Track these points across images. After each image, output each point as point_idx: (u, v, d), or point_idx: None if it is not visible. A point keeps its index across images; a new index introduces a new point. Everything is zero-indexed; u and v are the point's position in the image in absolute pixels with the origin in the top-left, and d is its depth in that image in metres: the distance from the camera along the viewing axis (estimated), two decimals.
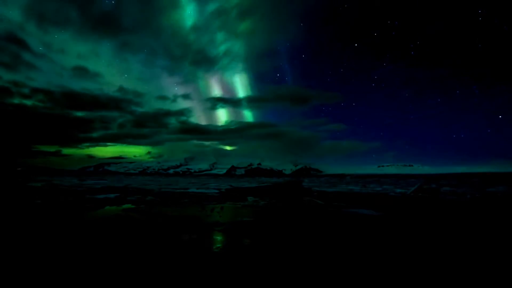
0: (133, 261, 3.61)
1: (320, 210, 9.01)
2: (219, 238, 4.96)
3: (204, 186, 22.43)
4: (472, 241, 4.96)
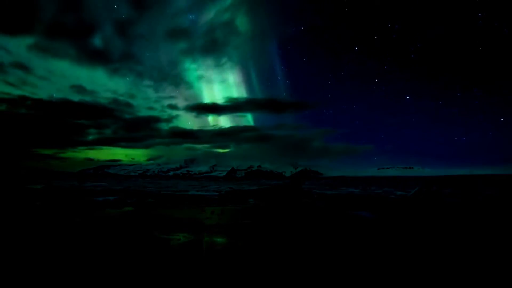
0: (131, 264, 3.59)
1: (320, 212, 8.98)
2: (219, 240, 4.93)
3: (204, 189, 22.39)
4: (473, 244, 4.94)
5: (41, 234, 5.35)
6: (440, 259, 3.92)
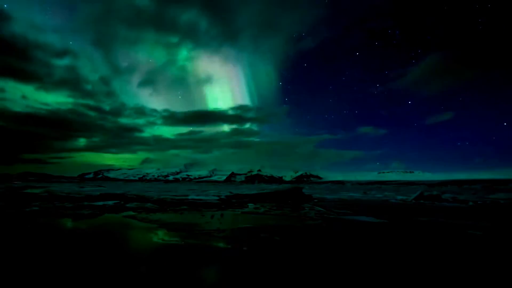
0: (130, 269, 3.54)
1: (321, 217, 8.91)
2: (219, 244, 4.88)
3: (204, 193, 22.27)
4: (475, 250, 4.89)
5: (34, 240, 5.29)
6: (445, 266, 3.87)
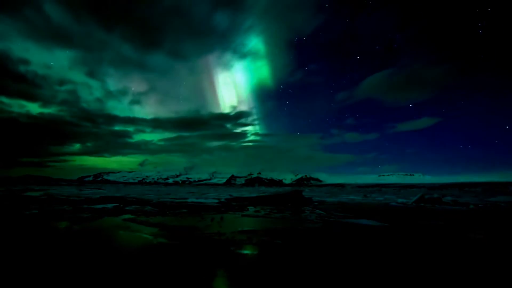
0: (129, 272, 3.51)
1: (322, 220, 8.86)
2: (219, 248, 4.84)
3: (204, 196, 22.19)
4: (477, 254, 4.85)
5: (33, 243, 5.26)
6: (447, 271, 3.84)
